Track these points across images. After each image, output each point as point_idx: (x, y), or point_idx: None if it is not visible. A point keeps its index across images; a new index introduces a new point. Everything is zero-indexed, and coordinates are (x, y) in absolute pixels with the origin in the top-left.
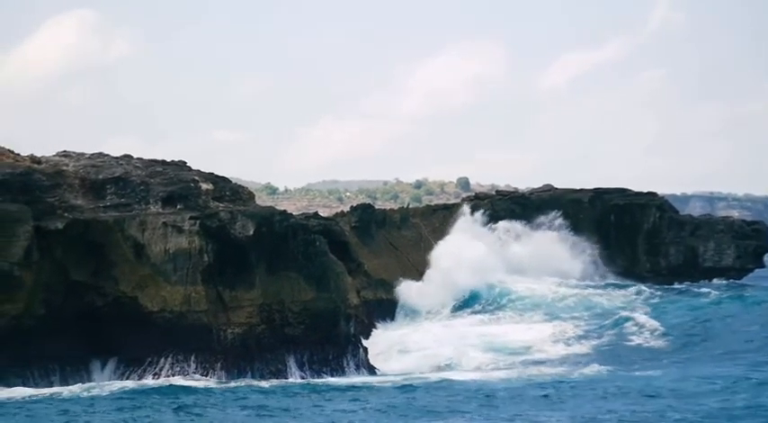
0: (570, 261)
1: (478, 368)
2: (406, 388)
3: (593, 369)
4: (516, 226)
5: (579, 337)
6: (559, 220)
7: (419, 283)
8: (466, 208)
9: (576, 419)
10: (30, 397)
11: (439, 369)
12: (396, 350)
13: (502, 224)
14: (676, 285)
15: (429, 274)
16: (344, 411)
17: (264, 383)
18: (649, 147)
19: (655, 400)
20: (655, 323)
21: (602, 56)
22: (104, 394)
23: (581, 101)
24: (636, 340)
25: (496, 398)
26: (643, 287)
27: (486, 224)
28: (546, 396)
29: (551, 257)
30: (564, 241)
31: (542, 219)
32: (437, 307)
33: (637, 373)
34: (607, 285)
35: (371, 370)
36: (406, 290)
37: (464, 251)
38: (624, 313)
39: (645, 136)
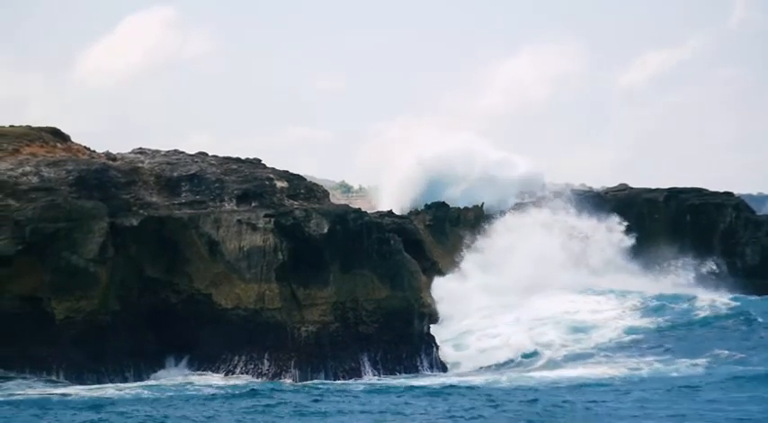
0: None
1: (570, 358)
2: (526, 391)
3: (686, 363)
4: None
5: (643, 314)
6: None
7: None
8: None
9: None
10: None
11: (525, 359)
12: (472, 339)
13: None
14: None
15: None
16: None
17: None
18: (726, 146)
19: None
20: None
21: (681, 54)
22: (195, 393)
23: (659, 99)
24: (699, 323)
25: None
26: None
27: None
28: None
29: None
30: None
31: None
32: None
33: (739, 368)
34: None
35: (444, 368)
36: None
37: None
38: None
39: (722, 135)
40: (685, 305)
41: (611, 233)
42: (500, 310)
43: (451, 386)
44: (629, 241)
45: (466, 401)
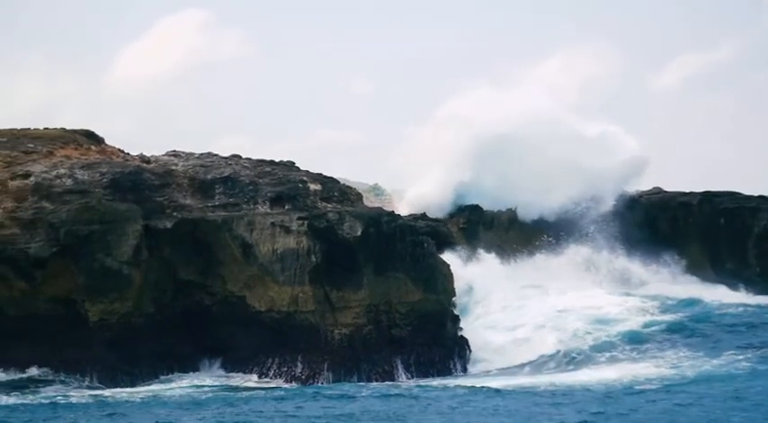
0: None
1: (597, 349)
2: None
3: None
4: None
5: (667, 309)
6: None
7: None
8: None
9: None
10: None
11: (556, 355)
12: (496, 333)
13: None
14: None
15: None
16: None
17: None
18: (762, 148)
19: None
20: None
21: (715, 57)
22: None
23: (693, 102)
24: (726, 317)
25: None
26: None
27: None
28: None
29: None
30: None
31: None
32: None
33: None
34: None
35: (465, 369)
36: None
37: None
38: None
39: (757, 138)
40: (711, 303)
41: (673, 278)
42: (522, 303)
43: (496, 390)
44: (690, 283)
45: (520, 405)
